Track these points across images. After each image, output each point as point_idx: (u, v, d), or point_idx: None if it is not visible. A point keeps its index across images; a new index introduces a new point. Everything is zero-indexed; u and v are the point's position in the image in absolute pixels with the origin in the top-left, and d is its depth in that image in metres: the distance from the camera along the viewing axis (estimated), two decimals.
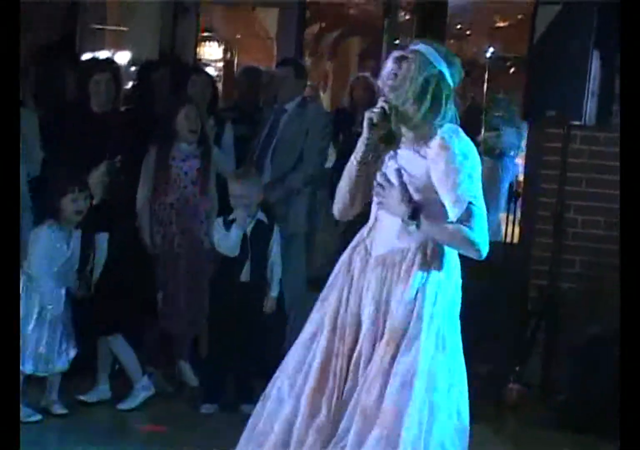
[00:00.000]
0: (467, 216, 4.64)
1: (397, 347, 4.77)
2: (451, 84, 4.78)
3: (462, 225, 4.66)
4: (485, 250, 4.84)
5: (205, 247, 7.52)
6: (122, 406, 7.27)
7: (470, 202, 4.65)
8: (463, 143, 4.76)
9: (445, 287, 5.11)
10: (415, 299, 4.83)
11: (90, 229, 7.13)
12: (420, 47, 4.71)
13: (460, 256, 5.01)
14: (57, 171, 7.25)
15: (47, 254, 6.89)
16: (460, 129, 4.82)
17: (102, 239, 7.29)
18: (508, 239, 9.88)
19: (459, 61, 4.84)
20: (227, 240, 7.17)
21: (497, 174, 10.92)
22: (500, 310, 8.42)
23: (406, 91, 4.61)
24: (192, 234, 7.58)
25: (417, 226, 4.70)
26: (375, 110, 4.71)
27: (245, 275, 7.24)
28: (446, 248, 4.88)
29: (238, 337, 7.24)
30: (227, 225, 7.20)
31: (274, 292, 7.44)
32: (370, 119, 4.76)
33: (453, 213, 4.64)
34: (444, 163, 4.62)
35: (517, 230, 9.29)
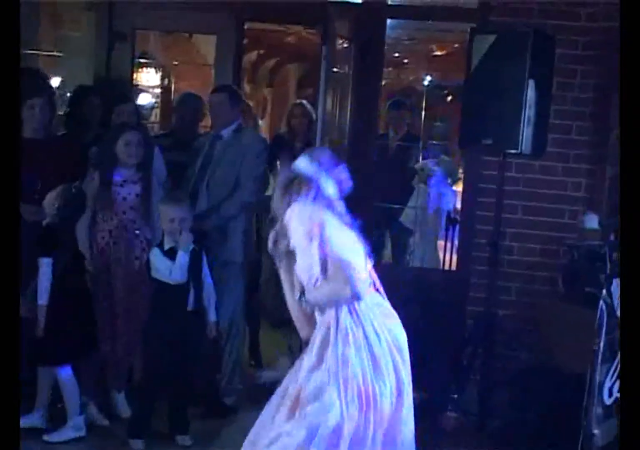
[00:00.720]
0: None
1: None
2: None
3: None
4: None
5: (143, 277, 7.40)
6: (50, 438, 7.16)
7: None
8: None
9: None
10: None
11: (35, 253, 7.05)
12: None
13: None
14: None
15: None
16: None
17: (46, 264, 7.14)
18: (446, 266, 9.91)
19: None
20: (176, 267, 7.08)
21: (438, 203, 10.93)
22: (437, 337, 8.38)
23: None
24: (130, 264, 7.51)
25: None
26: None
27: (191, 304, 7.19)
28: None
29: (176, 367, 7.17)
30: (168, 252, 7.10)
31: (212, 318, 7.39)
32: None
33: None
34: None
35: (454, 257, 9.30)
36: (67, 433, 7.17)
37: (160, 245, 7.16)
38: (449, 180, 10.83)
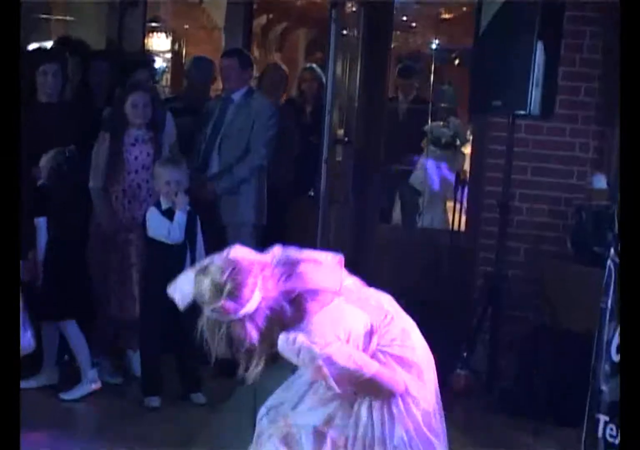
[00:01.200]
0: None
1: None
2: None
3: None
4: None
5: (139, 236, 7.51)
6: (66, 396, 7.27)
7: None
8: None
9: None
10: None
11: (32, 214, 7.13)
12: None
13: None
14: None
15: None
16: None
17: (42, 223, 7.25)
18: (455, 227, 9.91)
19: None
20: (174, 227, 7.12)
21: (447, 164, 10.95)
22: (447, 298, 8.42)
23: None
24: (129, 221, 7.62)
25: None
26: None
27: (188, 264, 7.18)
28: None
29: (178, 326, 7.18)
30: (166, 212, 7.13)
31: None
32: None
33: None
34: None
35: (463, 218, 9.31)
36: (83, 388, 7.29)
37: (157, 206, 7.21)
38: (458, 142, 10.86)
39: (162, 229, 7.15)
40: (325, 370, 4.28)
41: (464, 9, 11.87)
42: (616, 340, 6.08)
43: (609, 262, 6.24)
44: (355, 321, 4.55)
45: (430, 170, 10.65)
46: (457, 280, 8.58)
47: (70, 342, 7.34)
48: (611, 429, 6.00)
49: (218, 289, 4.19)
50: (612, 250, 6.24)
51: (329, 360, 4.29)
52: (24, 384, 7.17)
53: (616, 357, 6.05)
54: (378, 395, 4.54)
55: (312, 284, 4.48)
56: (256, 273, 4.25)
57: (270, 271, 4.34)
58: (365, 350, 4.50)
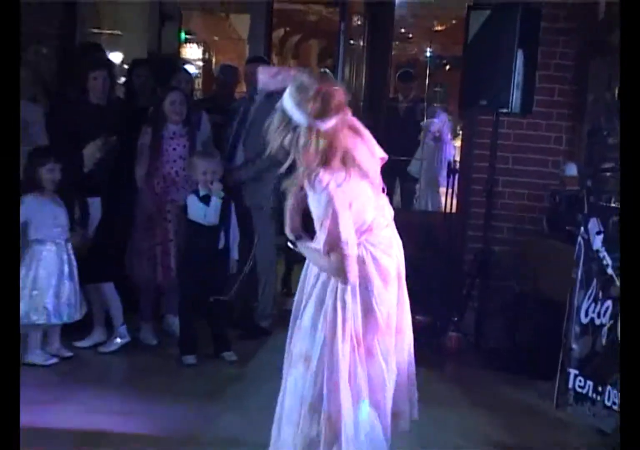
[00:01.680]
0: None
1: None
2: None
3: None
4: None
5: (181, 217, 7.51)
6: (102, 349, 7.35)
7: None
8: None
9: None
10: None
11: (83, 194, 7.23)
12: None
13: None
14: (37, 149, 7.21)
15: (40, 219, 6.93)
16: None
17: (95, 203, 7.35)
18: (447, 210, 9.92)
19: None
20: (210, 211, 7.18)
21: (438, 154, 10.97)
22: (442, 270, 8.46)
23: None
24: (179, 202, 7.56)
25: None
26: None
27: (221, 244, 7.28)
28: None
29: (214, 295, 7.25)
30: (203, 198, 7.18)
31: (234, 256, 7.46)
32: None
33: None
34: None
35: (455, 201, 9.32)
36: (116, 342, 7.37)
37: (196, 192, 7.24)
38: (450, 136, 10.89)
39: (200, 213, 7.20)
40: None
41: (454, 21, 11.87)
42: (584, 305, 6.14)
43: (579, 238, 6.28)
44: (366, 206, 4.55)
45: (426, 161, 10.68)
46: (449, 256, 8.60)
47: (108, 302, 7.40)
48: (580, 381, 6.06)
49: (315, 97, 4.35)
50: (582, 229, 6.29)
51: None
52: (80, 344, 7.32)
53: (585, 320, 6.11)
54: (333, 275, 4.51)
55: (360, 156, 4.56)
56: (339, 106, 4.42)
57: (345, 117, 4.50)
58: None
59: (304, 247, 4.61)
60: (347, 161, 4.49)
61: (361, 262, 4.57)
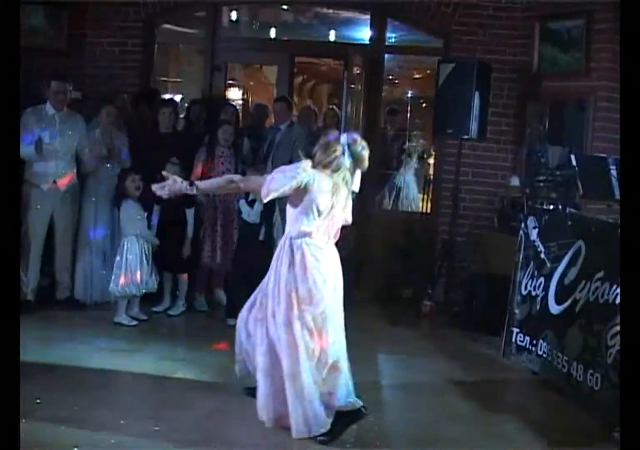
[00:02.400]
0: None
1: None
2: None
3: None
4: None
5: (235, 217, 7.53)
6: (171, 313, 7.41)
7: None
8: None
9: None
10: None
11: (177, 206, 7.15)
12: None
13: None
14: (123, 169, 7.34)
15: (129, 219, 7.03)
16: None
17: (190, 213, 7.33)
18: (423, 210, 9.94)
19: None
20: (253, 213, 7.22)
21: (418, 170, 10.97)
22: (419, 256, 8.46)
23: None
24: (228, 208, 7.59)
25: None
26: None
27: (261, 236, 7.27)
28: None
29: (255, 274, 7.27)
30: (250, 203, 7.22)
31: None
32: None
33: None
34: None
35: (429, 205, 9.34)
36: (179, 309, 7.44)
37: (246, 197, 7.24)
38: (425, 155, 10.87)
39: (246, 213, 7.25)
40: None
41: (428, 71, 11.84)
42: (524, 281, 6.18)
43: (520, 232, 6.34)
44: (321, 206, 4.66)
45: (407, 174, 10.69)
46: (425, 244, 8.59)
47: (179, 283, 7.46)
48: (520, 337, 6.11)
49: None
50: (522, 224, 6.33)
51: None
52: (155, 309, 7.34)
53: (524, 292, 6.16)
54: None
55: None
56: None
57: None
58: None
59: None
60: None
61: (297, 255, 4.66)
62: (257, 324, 4.83)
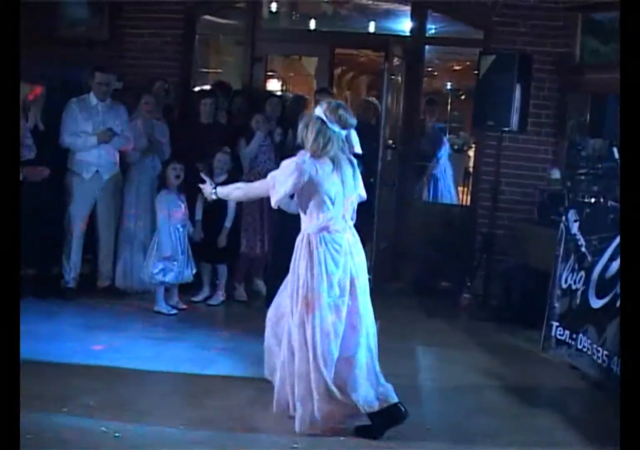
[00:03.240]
0: None
1: None
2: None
3: None
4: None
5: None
6: (210, 302, 7.45)
7: None
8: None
9: None
10: None
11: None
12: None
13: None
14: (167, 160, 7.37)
15: (167, 208, 7.05)
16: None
17: (231, 204, 7.31)
18: (463, 203, 9.90)
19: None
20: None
21: (459, 161, 10.94)
22: (458, 248, 8.44)
23: None
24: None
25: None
26: None
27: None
28: None
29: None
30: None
31: None
32: None
33: None
34: None
35: (469, 197, 9.30)
36: (218, 298, 7.47)
37: None
38: (465, 147, 10.83)
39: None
40: None
41: (468, 63, 11.80)
42: (564, 274, 6.14)
43: (561, 225, 6.30)
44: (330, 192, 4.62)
45: (448, 166, 10.64)
46: (464, 237, 8.54)
47: (218, 273, 7.49)
48: (559, 331, 6.08)
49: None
50: (563, 218, 6.29)
51: None
52: (194, 298, 7.37)
53: (564, 285, 6.12)
54: None
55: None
56: None
57: None
58: None
59: None
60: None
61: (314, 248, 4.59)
62: (280, 321, 4.84)
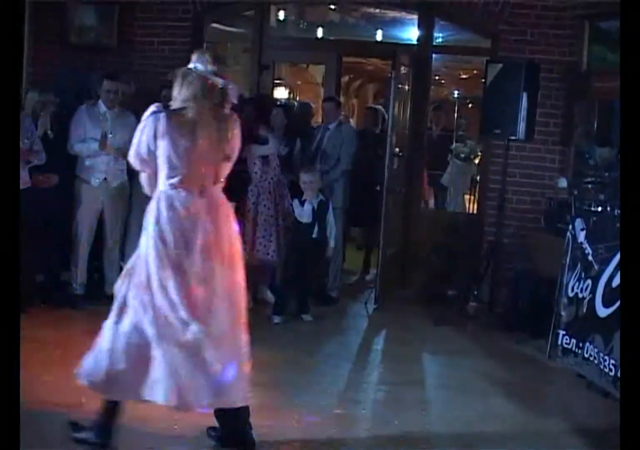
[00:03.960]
0: None
1: None
2: None
3: None
4: None
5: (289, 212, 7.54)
6: None
7: None
8: None
9: None
10: None
11: None
12: None
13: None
14: None
15: None
16: None
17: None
18: (470, 211, 9.91)
19: None
20: (304, 212, 7.27)
21: (465, 170, 10.95)
22: (465, 255, 8.44)
23: None
24: (283, 202, 7.60)
25: None
26: None
27: (314, 234, 7.32)
28: None
29: (303, 272, 7.35)
30: (302, 203, 7.27)
31: (331, 244, 7.47)
32: None
33: None
34: None
35: (475, 205, 9.29)
36: None
37: (299, 197, 7.30)
38: (472, 156, 10.83)
39: (298, 213, 7.31)
40: None
41: (475, 71, 11.83)
42: (571, 283, 6.11)
43: (567, 233, 6.27)
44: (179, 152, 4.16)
45: (454, 174, 10.68)
46: (471, 244, 8.55)
47: None
48: (566, 339, 6.04)
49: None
50: (570, 226, 6.27)
51: None
52: None
53: (571, 294, 6.09)
54: None
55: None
56: None
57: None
58: None
59: None
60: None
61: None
62: None
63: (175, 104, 4.23)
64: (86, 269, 7.36)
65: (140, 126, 4.21)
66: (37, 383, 5.01)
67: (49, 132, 7.06)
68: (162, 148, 4.15)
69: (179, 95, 4.23)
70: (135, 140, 4.24)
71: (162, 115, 4.16)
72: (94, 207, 7.29)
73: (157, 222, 4.18)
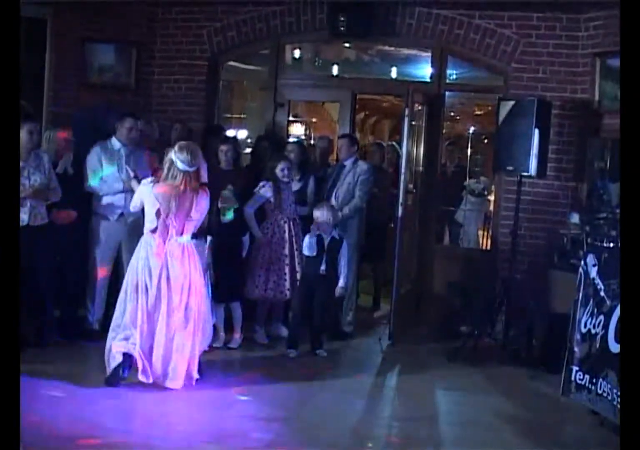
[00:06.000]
0: None
1: None
2: None
3: None
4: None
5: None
6: (230, 346, 7.37)
7: None
8: None
9: None
10: None
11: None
12: None
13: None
14: None
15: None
16: None
17: (246, 239, 7.47)
18: (483, 247, 9.88)
19: None
20: (306, 245, 7.29)
21: (479, 206, 10.94)
22: (478, 292, 8.40)
23: None
24: (294, 237, 7.62)
25: None
26: None
27: (322, 270, 7.31)
28: None
29: (313, 306, 7.32)
30: (310, 237, 7.29)
31: (342, 283, 7.42)
32: None
33: None
34: None
35: (489, 241, 9.28)
36: (236, 341, 7.40)
37: (309, 231, 7.32)
38: (485, 192, 10.82)
39: (304, 247, 7.36)
40: None
41: (489, 107, 11.87)
42: (584, 319, 6.12)
43: (580, 269, 6.28)
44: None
45: (468, 210, 10.66)
46: (484, 281, 8.50)
47: (233, 317, 7.44)
48: (579, 375, 6.04)
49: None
50: (582, 262, 6.29)
51: None
52: (213, 344, 7.19)
53: (584, 330, 6.09)
54: None
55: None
56: None
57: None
58: None
59: None
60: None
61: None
62: None
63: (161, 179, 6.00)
64: (103, 304, 7.39)
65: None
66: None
67: (69, 168, 7.17)
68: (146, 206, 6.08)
69: (165, 176, 5.95)
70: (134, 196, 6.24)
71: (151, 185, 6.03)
72: (111, 243, 7.36)
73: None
